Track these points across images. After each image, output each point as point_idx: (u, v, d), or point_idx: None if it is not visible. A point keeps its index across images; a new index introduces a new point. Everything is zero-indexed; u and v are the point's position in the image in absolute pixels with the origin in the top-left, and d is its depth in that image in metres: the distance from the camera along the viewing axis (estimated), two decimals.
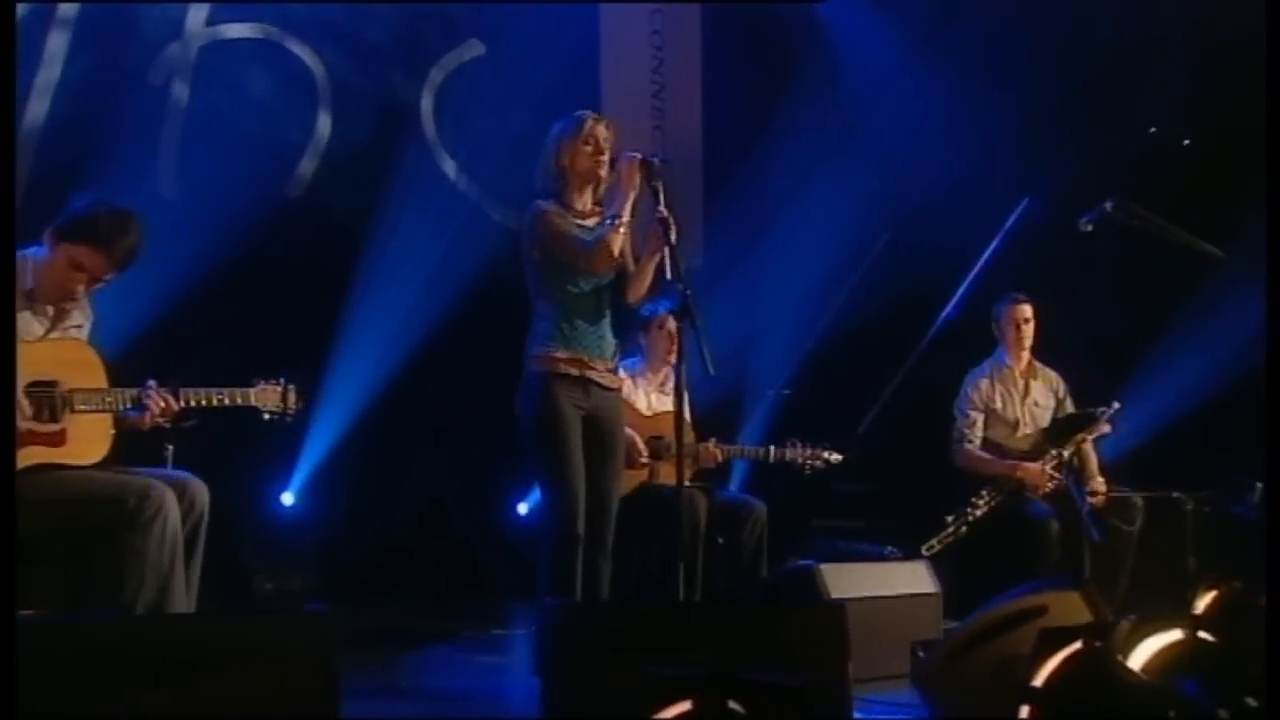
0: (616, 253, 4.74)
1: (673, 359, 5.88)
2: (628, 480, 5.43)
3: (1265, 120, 5.03)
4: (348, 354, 7.08)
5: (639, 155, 4.71)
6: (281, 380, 4.67)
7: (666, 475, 6.01)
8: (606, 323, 4.97)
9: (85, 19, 6.80)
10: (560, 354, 4.85)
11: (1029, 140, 7.83)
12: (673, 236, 4.52)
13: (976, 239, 7.35)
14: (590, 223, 4.89)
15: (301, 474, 7.08)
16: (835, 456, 6.42)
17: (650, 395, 6.36)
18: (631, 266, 4.95)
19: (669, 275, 4.49)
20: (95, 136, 6.57)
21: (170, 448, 5.00)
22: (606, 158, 4.83)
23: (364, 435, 7.12)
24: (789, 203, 8.20)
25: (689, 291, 4.47)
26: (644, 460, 6.10)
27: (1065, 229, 6.20)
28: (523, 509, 7.14)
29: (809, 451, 6.40)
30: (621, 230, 4.72)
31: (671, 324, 6.06)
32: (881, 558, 5.74)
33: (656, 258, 4.64)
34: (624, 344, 5.15)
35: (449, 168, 7.80)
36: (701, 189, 8.45)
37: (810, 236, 8.01)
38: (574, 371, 4.84)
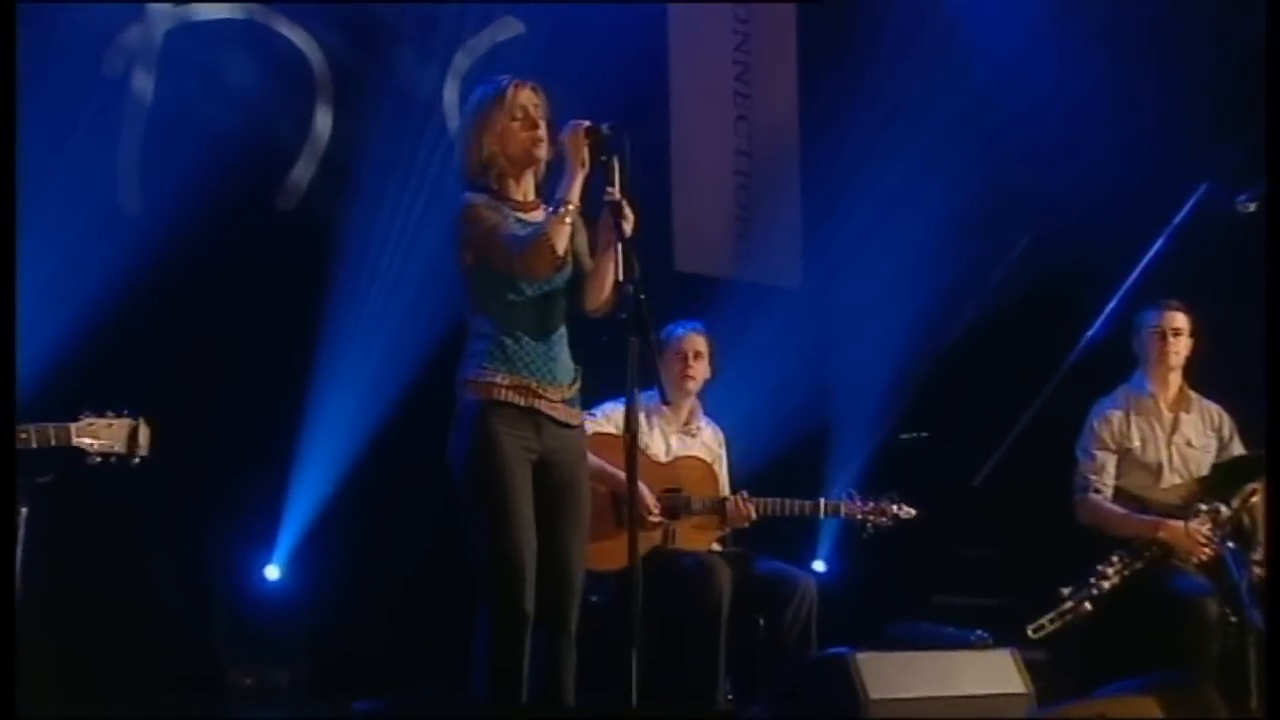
0: (561, 249, 4.36)
1: (691, 386, 5.72)
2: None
3: (1265, 120, 5.04)
4: (342, 396, 6.66)
5: (584, 123, 4.35)
6: (126, 412, 4.38)
7: (687, 539, 5.82)
8: (561, 339, 4.57)
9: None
10: (500, 378, 4.43)
11: (1203, 126, 7.27)
12: (626, 226, 4.22)
13: (1135, 238, 6.71)
14: (534, 216, 4.52)
15: (287, 541, 6.55)
16: (907, 511, 5.99)
17: (670, 437, 6.05)
18: (589, 266, 4.54)
19: (620, 276, 4.16)
20: (34, 141, 5.97)
21: (24, 511, 4.43)
22: (542, 132, 4.50)
23: (357, 493, 6.64)
24: (901, 206, 7.70)
25: (643, 297, 4.13)
26: (655, 519, 5.77)
27: (1228, 223, 5.66)
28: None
29: (870, 505, 5.99)
30: (567, 220, 4.34)
31: (691, 345, 5.92)
32: (964, 644, 5.09)
33: (611, 254, 4.27)
34: (589, 369, 4.65)
35: None
36: (799, 195, 8.10)
37: (925, 247, 7.55)
38: (518, 400, 4.43)
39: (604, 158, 4.28)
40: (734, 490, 5.99)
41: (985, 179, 7.61)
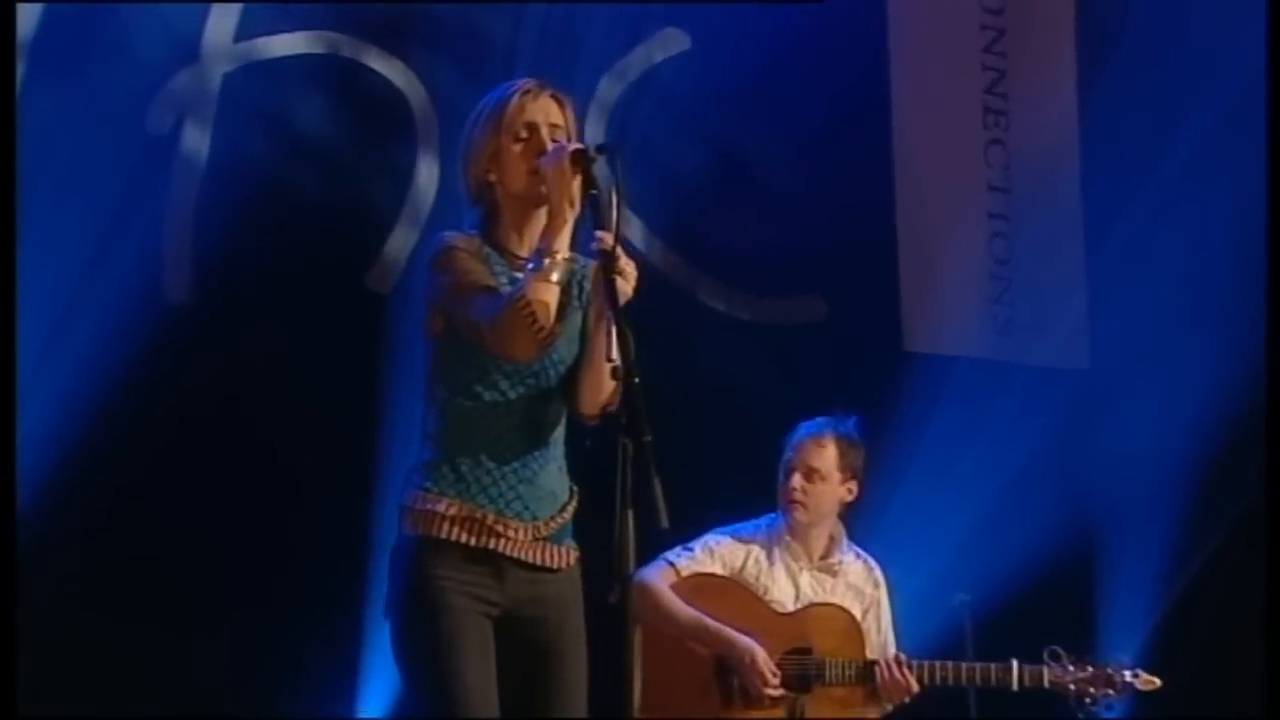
0: (545, 319, 3.88)
1: (801, 515, 5.41)
2: None
3: (1265, 120, 5.27)
4: None
5: (571, 145, 3.92)
6: None
7: (819, 713, 5.45)
8: (546, 457, 4.09)
9: (47, 40, 6.14)
10: (444, 506, 3.98)
11: None
12: (624, 285, 3.80)
13: None
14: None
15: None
16: (1148, 681, 5.52)
17: (800, 577, 5.57)
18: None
19: (611, 354, 3.73)
20: (63, 214, 5.95)
21: None
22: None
23: None
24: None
25: (636, 380, 3.70)
26: (775, 691, 5.35)
27: None
28: None
29: (1088, 672, 5.46)
30: (553, 278, 3.89)
31: (808, 458, 5.41)
32: None
33: (605, 326, 3.87)
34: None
35: (632, 230, 6.96)
36: (1081, 244, 7.43)
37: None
38: (467, 539, 3.97)
39: (594, 190, 3.86)
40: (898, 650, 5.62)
41: None
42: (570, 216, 3.93)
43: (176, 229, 6.38)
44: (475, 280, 4.01)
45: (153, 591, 5.76)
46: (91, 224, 6.02)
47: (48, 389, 5.71)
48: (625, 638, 3.74)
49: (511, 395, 4.06)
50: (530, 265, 3.94)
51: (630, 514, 3.71)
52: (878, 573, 5.64)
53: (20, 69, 6.30)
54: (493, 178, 4.08)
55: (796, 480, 5.43)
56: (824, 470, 5.41)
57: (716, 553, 5.47)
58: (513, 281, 4.04)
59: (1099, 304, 7.49)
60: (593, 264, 3.92)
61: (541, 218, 4.05)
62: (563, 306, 3.93)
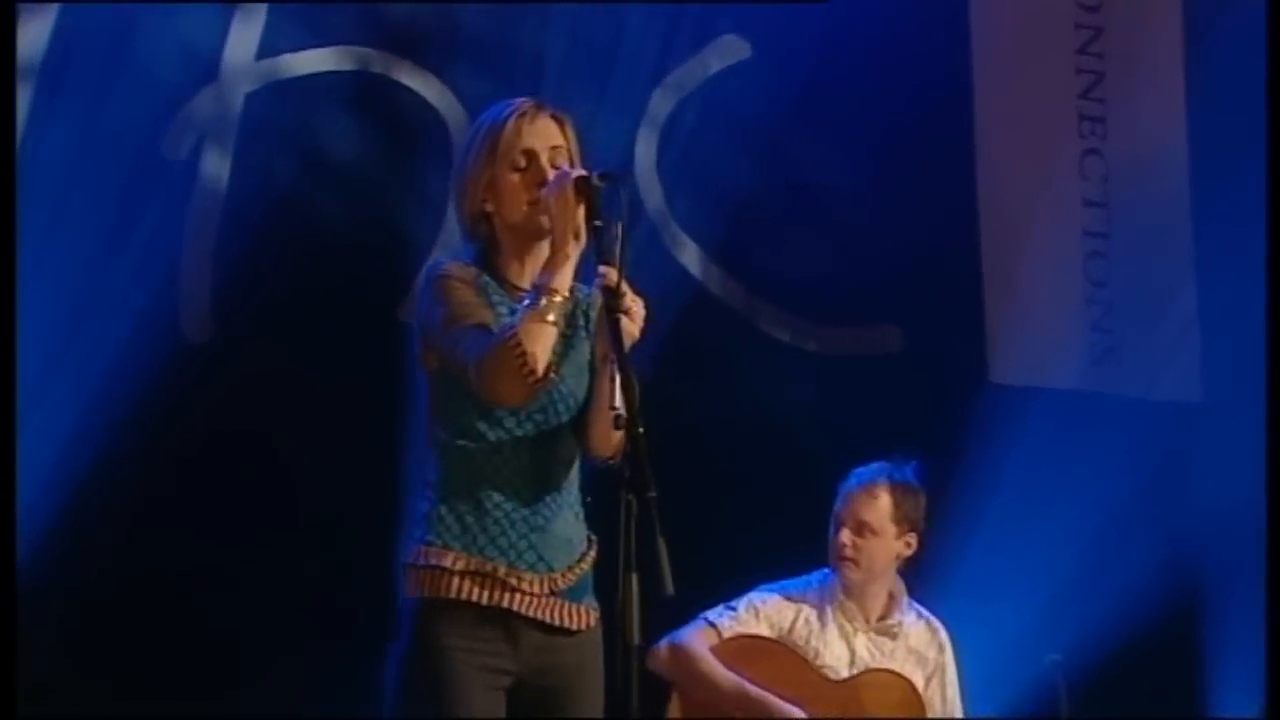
0: (539, 361, 3.75)
1: (852, 573, 5.22)
2: None
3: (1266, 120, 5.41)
4: None
5: (574, 172, 3.83)
6: None
7: None
8: (561, 500, 3.96)
9: (56, 62, 6.00)
10: (450, 560, 3.86)
11: None
12: (631, 326, 3.73)
13: None
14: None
15: None
16: None
17: (855, 640, 5.37)
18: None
19: (614, 401, 3.65)
20: (70, 245, 5.83)
21: None
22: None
23: None
24: None
25: (640, 431, 3.61)
26: None
27: None
28: None
29: None
30: (550, 318, 3.77)
31: (858, 511, 5.22)
32: None
33: (609, 370, 3.80)
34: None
35: (687, 256, 6.78)
36: (1191, 266, 7.15)
37: None
38: (479, 595, 3.86)
39: (598, 221, 3.75)
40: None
41: None
42: (574, 251, 3.80)
43: (195, 262, 6.17)
44: (468, 315, 3.84)
45: (166, 641, 5.61)
46: (101, 256, 5.86)
47: (53, 430, 5.51)
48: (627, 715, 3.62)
49: (518, 433, 3.90)
50: (526, 302, 3.80)
51: (634, 577, 3.56)
52: (943, 635, 5.46)
53: (25, 92, 6.04)
54: (490, 209, 3.95)
55: (846, 535, 5.29)
56: (876, 524, 5.23)
57: (762, 612, 5.32)
58: (513, 314, 3.91)
59: (1208, 329, 7.07)
60: (598, 292, 3.82)
61: (545, 248, 3.93)
62: (568, 337, 3.82)
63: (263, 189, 6.17)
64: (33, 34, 6.07)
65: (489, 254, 4.00)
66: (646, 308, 3.79)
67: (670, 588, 3.45)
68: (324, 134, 6.31)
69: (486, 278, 3.94)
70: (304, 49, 6.36)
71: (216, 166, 6.19)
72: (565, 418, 3.91)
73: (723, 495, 5.90)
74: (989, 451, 6.16)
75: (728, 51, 6.82)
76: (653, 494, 3.55)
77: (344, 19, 6.46)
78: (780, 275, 6.76)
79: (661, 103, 6.75)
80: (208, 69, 6.25)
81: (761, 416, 6.32)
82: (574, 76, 6.59)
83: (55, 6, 6.16)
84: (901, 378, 6.34)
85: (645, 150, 6.69)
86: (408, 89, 6.47)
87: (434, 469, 3.96)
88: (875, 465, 5.36)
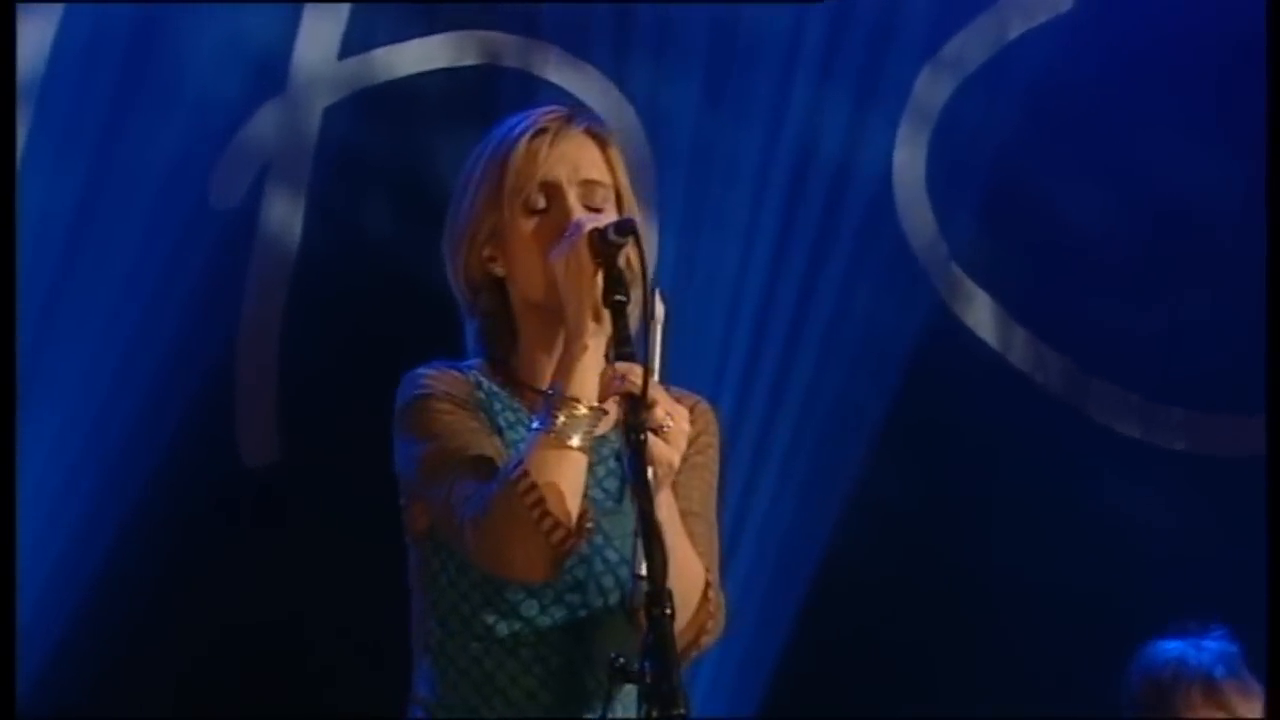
0: (567, 510, 3.00)
1: None
2: None
3: (1265, 121, 5.12)
4: None
5: (588, 226, 3.00)
6: None
7: None
8: (586, 672, 3.21)
9: (56, 76, 5.11)
10: None
11: None
12: (670, 450, 2.95)
13: None
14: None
15: None
16: None
17: None
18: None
19: (639, 568, 2.89)
20: (75, 338, 4.96)
21: None
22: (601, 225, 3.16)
23: None
24: None
25: (668, 611, 2.90)
26: None
27: None
28: None
29: None
30: (574, 442, 3.03)
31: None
32: None
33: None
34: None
35: (975, 312, 5.67)
36: None
37: None
38: None
39: (619, 297, 2.98)
40: None
41: None
42: (597, 338, 2.98)
43: (255, 352, 5.13)
44: (461, 446, 3.07)
45: None
46: (119, 350, 4.87)
47: (63, 572, 4.56)
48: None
49: (543, 624, 3.17)
50: (535, 424, 3.05)
51: None
52: None
53: (22, 126, 4.96)
54: (498, 270, 3.18)
55: None
56: None
57: None
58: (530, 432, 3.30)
59: None
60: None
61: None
62: (601, 477, 3.11)
63: (348, 244, 5.15)
64: (34, 49, 4.99)
65: (497, 340, 3.20)
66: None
67: None
68: (436, 158, 5.17)
69: (493, 385, 3.15)
70: (406, 39, 5.24)
71: (285, 213, 5.18)
72: (614, 597, 3.12)
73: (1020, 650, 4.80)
74: None
75: (1032, 9, 5.44)
76: (682, 712, 2.75)
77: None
78: (1120, 340, 5.52)
79: (932, 87, 5.47)
80: (271, 78, 5.21)
81: (1093, 540, 5.08)
82: (796, 71, 5.41)
83: (58, 7, 5.10)
84: None
85: (908, 158, 5.52)
86: (555, 87, 5.31)
87: (425, 675, 3.20)
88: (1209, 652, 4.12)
